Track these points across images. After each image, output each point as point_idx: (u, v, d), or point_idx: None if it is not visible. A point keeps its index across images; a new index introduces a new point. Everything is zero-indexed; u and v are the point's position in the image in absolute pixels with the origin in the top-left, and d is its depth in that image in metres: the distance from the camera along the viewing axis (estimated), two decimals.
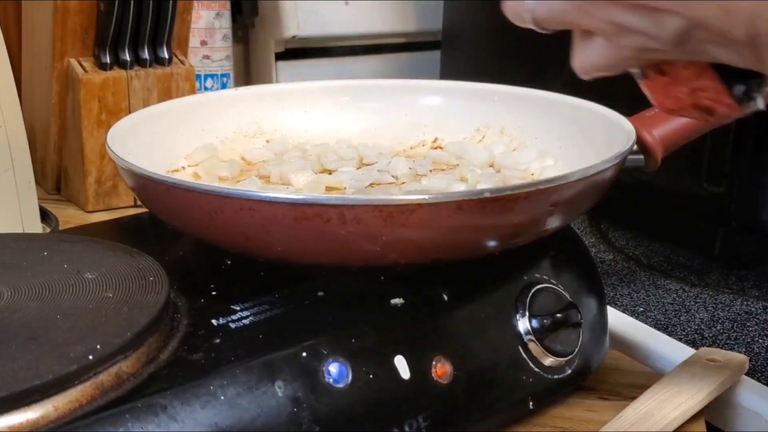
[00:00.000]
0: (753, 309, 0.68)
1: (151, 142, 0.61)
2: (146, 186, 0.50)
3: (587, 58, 0.42)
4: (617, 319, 0.64)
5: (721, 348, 0.62)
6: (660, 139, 0.58)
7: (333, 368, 0.42)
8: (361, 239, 0.44)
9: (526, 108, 0.68)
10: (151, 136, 0.62)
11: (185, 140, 0.65)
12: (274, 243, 0.46)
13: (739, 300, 0.70)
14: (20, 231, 0.67)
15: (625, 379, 0.56)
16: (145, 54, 0.82)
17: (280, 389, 0.41)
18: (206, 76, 1.01)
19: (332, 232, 0.44)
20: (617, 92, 0.76)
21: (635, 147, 0.57)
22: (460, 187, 0.59)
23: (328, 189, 0.59)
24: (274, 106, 0.71)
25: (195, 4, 0.93)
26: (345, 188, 0.59)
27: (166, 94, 0.83)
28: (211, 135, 0.67)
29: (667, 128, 0.59)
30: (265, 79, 1.10)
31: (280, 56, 1.08)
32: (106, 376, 0.38)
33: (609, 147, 0.54)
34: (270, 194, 0.44)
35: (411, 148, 0.70)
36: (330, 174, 0.62)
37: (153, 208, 0.53)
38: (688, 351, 0.60)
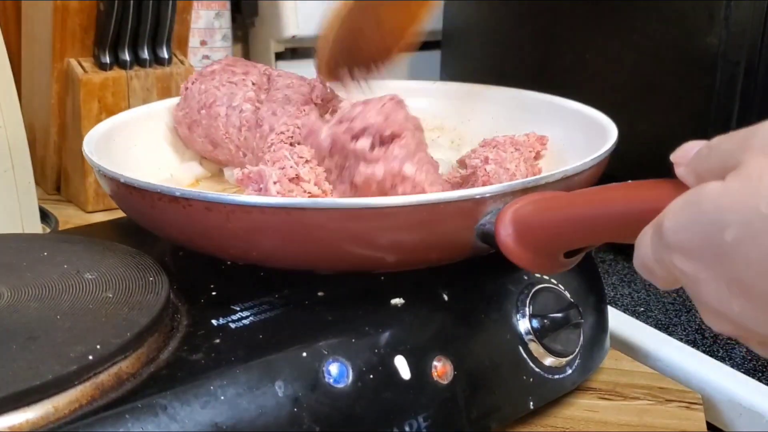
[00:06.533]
0: None
1: (143, 144, 0.61)
2: (125, 195, 0.49)
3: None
4: (618, 319, 0.64)
5: (722, 348, 0.62)
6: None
7: (333, 368, 0.42)
8: (356, 243, 0.44)
9: (515, 108, 0.67)
10: (142, 139, 0.62)
11: (182, 142, 0.65)
12: (265, 248, 0.46)
13: None
14: (20, 231, 0.67)
15: (625, 379, 0.56)
16: (145, 54, 0.82)
17: (280, 389, 0.40)
18: None
19: (326, 237, 0.44)
20: (606, 91, 0.76)
21: None
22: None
23: None
24: None
25: (194, 4, 0.93)
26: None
27: (166, 94, 0.83)
28: None
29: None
30: None
31: (280, 56, 1.08)
32: (105, 377, 0.38)
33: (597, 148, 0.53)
34: (259, 199, 0.44)
35: None
36: None
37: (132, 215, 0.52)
38: (688, 351, 0.60)
